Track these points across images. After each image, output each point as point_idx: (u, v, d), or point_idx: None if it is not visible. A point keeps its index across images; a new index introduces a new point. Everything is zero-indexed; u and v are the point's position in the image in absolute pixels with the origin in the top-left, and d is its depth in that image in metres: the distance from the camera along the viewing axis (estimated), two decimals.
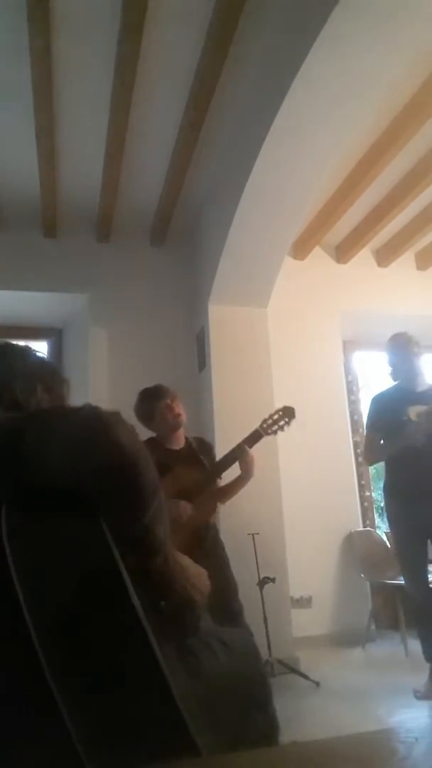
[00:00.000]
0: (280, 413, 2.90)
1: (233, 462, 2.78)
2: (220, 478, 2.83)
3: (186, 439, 2.91)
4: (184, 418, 2.84)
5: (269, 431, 2.86)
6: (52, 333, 4.52)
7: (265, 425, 2.87)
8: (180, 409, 2.84)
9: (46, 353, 4.37)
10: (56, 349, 4.47)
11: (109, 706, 0.67)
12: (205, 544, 2.64)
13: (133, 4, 2.43)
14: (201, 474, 2.73)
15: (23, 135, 3.19)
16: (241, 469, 2.80)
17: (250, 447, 2.81)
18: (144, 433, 2.81)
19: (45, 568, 0.71)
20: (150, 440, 2.80)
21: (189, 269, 4.30)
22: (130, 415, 2.02)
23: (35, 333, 4.44)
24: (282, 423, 2.88)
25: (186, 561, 0.99)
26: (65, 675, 0.66)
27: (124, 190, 3.79)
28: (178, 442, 2.86)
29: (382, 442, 3.04)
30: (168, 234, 4.27)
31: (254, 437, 2.83)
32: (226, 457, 2.80)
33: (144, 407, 2.84)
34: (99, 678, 0.68)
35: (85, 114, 3.13)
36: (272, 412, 2.93)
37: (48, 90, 2.88)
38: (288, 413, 2.90)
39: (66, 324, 4.50)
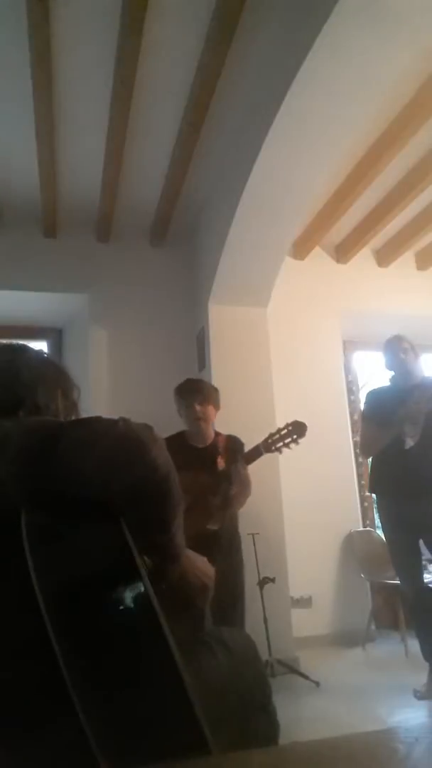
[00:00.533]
0: (289, 428, 2.68)
1: (228, 480, 2.66)
2: (230, 483, 2.71)
3: (216, 436, 2.89)
4: (205, 422, 2.84)
5: (272, 448, 2.67)
6: (52, 333, 4.52)
7: (270, 440, 2.69)
8: (204, 412, 2.83)
9: (46, 353, 4.36)
10: (56, 349, 4.47)
11: (123, 702, 0.67)
12: (213, 551, 2.56)
13: (134, 3, 2.43)
14: (206, 480, 2.64)
15: (23, 135, 3.18)
16: (235, 487, 2.69)
17: (249, 463, 2.68)
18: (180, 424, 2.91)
19: (64, 568, 0.72)
20: (177, 435, 2.84)
21: (189, 269, 4.30)
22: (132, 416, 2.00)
23: (35, 333, 4.44)
24: (288, 440, 2.66)
25: (189, 551, 1.00)
26: (81, 670, 0.66)
27: (124, 190, 3.79)
28: (204, 441, 2.87)
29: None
30: (168, 234, 4.27)
31: (254, 454, 2.68)
32: (224, 471, 2.70)
33: (175, 401, 2.93)
34: (115, 674, 0.69)
35: (85, 113, 3.13)
36: (281, 426, 2.72)
37: (48, 90, 2.88)
38: (298, 430, 2.66)
39: (66, 324, 4.50)
